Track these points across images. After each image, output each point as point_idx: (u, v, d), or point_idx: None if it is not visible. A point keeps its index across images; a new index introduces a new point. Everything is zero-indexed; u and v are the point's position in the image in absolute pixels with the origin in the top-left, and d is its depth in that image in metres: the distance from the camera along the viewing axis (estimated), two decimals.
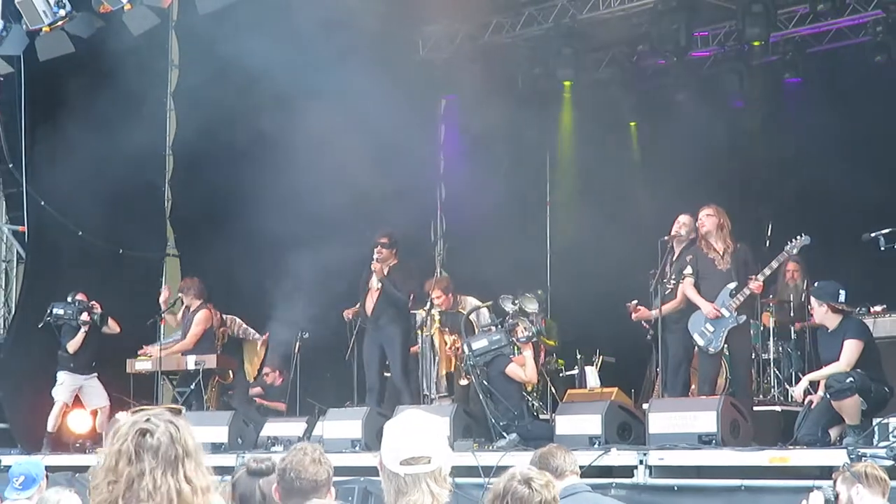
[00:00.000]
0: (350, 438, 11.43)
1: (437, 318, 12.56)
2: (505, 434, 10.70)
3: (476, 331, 12.21)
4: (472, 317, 12.44)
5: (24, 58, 13.83)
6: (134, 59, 14.54)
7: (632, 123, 16.98)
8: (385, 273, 12.63)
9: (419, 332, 13.27)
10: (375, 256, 12.64)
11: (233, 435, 12.39)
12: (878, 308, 12.34)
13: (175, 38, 16.48)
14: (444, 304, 12.61)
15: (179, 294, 14.21)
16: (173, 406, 3.20)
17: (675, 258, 11.20)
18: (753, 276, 10.59)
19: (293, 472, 4.82)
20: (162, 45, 16.22)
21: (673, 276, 11.10)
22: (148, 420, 3.09)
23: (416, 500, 3.51)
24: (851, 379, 9.22)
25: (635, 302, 11.49)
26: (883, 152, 13.96)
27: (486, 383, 11.06)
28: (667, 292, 11.07)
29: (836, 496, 6.35)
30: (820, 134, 14.17)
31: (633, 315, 11.49)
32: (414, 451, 3.53)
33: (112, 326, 14.20)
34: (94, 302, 14.07)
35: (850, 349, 9.42)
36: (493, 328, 11.65)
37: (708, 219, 10.80)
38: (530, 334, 11.30)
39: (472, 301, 12.83)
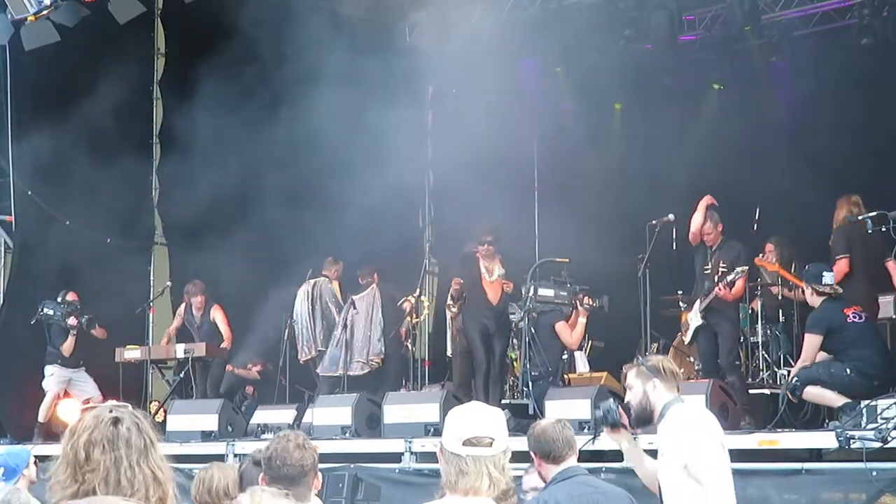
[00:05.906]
0: (340, 425, 11.44)
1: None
2: (530, 385, 10.86)
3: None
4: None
5: (10, 47, 13.79)
6: (120, 47, 14.52)
7: (617, 106, 16.94)
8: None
9: (409, 318, 13.38)
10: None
11: (223, 423, 12.41)
12: None
13: (161, 27, 16.44)
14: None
15: (185, 294, 14.59)
16: (120, 403, 3.22)
17: (716, 249, 11.34)
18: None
19: (279, 459, 4.88)
20: (148, 34, 16.19)
21: (725, 266, 11.24)
22: (111, 411, 3.11)
23: (474, 483, 3.46)
24: (795, 378, 9.50)
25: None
26: (869, 135, 13.96)
27: (532, 331, 11.33)
28: (726, 281, 11.19)
29: (625, 390, 6.05)
30: (806, 116, 14.21)
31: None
32: (477, 431, 3.49)
33: (98, 332, 14.32)
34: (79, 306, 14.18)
35: (806, 344, 9.74)
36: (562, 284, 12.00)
37: None
38: (595, 305, 11.69)
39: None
